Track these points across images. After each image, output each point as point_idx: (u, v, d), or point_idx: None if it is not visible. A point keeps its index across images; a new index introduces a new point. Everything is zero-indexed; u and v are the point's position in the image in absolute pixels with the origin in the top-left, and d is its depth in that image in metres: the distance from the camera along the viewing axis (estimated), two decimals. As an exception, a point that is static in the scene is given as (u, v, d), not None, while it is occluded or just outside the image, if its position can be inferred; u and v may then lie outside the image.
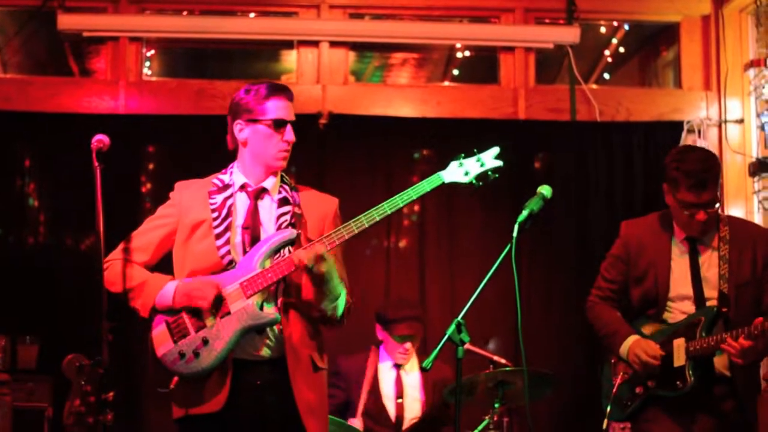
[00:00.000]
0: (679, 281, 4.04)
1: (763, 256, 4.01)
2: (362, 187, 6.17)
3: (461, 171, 3.46)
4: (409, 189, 3.41)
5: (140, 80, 6.45)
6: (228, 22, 6.52)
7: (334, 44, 6.49)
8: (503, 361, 5.21)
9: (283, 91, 3.54)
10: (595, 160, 6.38)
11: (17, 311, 5.79)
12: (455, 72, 6.94)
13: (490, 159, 3.49)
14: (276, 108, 3.50)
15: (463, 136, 6.31)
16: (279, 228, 3.48)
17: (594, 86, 6.72)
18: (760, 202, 6.21)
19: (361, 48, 6.72)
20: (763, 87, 6.13)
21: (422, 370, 3.48)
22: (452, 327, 3.19)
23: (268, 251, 3.41)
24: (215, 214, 3.48)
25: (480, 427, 4.84)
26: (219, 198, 3.52)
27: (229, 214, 3.48)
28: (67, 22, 6.26)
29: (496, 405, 4.88)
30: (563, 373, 5.52)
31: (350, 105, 6.38)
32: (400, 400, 5.28)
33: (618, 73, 7.14)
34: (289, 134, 3.51)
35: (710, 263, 4.03)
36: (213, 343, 3.34)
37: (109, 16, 6.45)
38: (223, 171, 3.62)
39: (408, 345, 5.26)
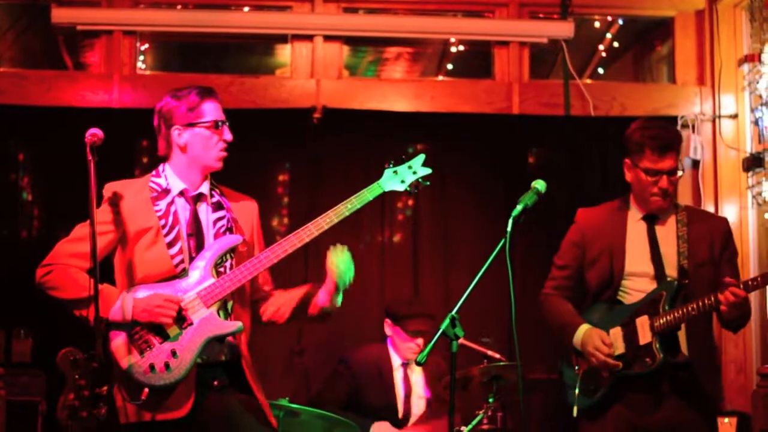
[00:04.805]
0: (637, 258, 4.03)
1: (721, 239, 4.03)
2: (356, 181, 6.08)
3: (397, 179, 3.60)
4: (352, 197, 3.55)
5: (134, 74, 6.44)
6: (222, 16, 6.51)
7: (328, 38, 6.48)
8: (497, 356, 5.22)
9: (212, 94, 3.61)
10: (590, 154, 6.38)
11: (12, 305, 5.78)
12: (449, 66, 6.93)
13: (419, 166, 3.62)
14: (212, 110, 3.57)
15: (457, 131, 6.31)
16: (217, 232, 3.55)
17: (588, 81, 6.72)
18: (753, 197, 6.21)
19: (355, 42, 6.72)
20: (757, 82, 6.12)
21: (416, 364, 3.47)
22: (446, 321, 3.20)
23: (215, 258, 3.48)
24: (163, 222, 3.50)
25: (474, 422, 4.85)
26: (162, 204, 3.53)
27: (175, 222, 3.51)
28: (61, 15, 6.25)
29: (491, 400, 4.89)
30: (557, 367, 5.53)
31: (344, 99, 6.37)
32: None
33: (612, 67, 7.14)
34: (227, 134, 3.59)
35: (668, 242, 4.03)
36: (181, 355, 3.38)
37: (103, 9, 6.44)
38: (155, 173, 3.62)
39: (420, 340, 5.28)
